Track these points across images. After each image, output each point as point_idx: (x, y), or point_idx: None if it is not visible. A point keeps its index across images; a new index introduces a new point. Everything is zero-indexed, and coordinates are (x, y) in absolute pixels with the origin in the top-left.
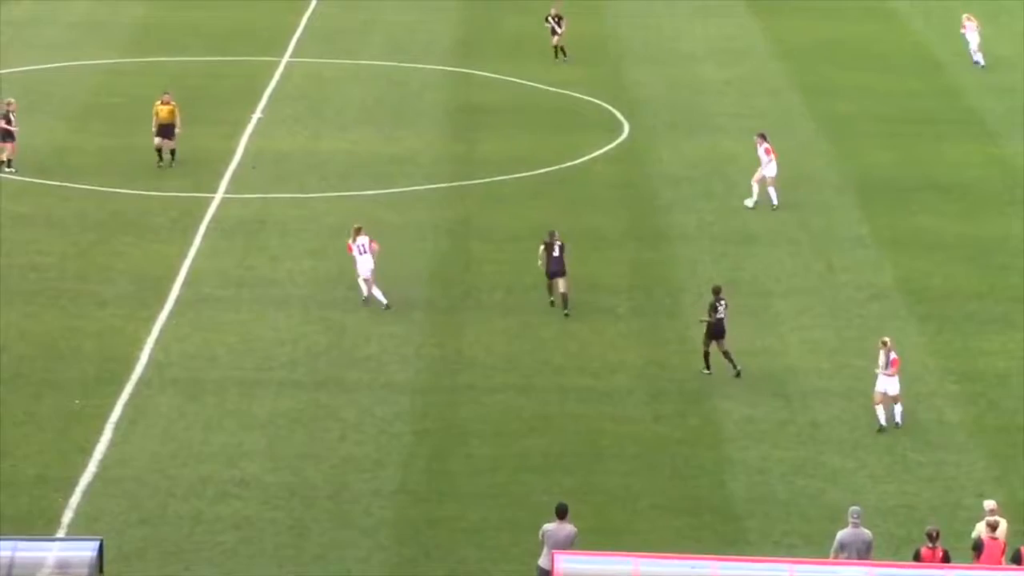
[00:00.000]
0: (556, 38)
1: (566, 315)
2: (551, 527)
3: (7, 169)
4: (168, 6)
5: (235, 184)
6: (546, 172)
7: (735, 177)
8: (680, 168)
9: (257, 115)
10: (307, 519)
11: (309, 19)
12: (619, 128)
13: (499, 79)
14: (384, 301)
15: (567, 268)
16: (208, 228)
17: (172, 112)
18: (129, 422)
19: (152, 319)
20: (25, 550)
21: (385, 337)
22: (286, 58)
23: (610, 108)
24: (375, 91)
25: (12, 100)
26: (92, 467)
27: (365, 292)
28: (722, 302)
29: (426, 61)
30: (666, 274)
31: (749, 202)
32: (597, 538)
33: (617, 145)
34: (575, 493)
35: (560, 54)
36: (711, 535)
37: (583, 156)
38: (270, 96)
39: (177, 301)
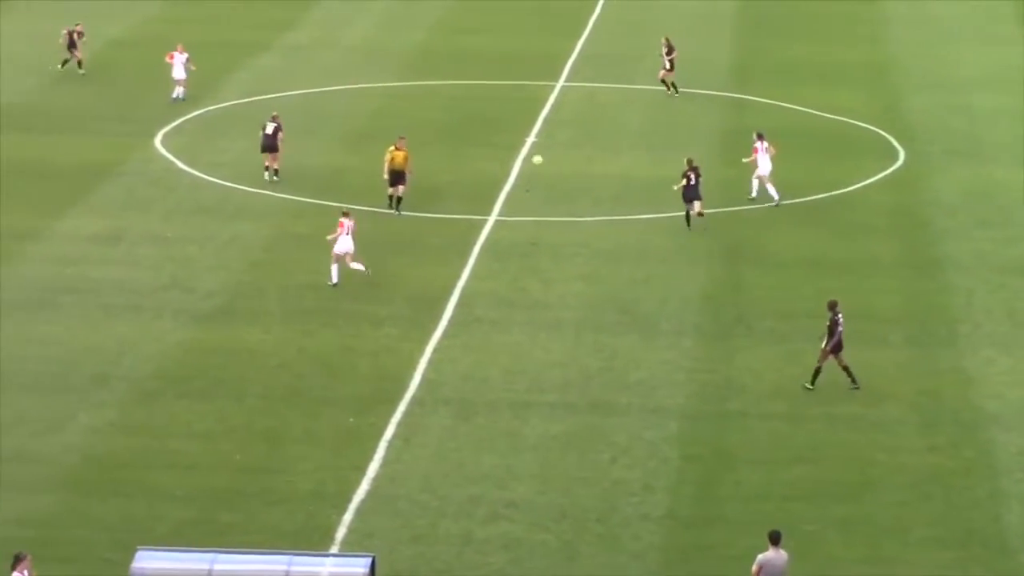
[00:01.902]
0: (663, 72)
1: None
2: (769, 555)
3: (274, 178)
4: (446, 32)
5: (509, 207)
6: (820, 198)
7: (1011, 206)
8: (955, 196)
9: (531, 139)
10: (576, 542)
11: (584, 44)
12: (894, 155)
13: (773, 104)
14: (363, 268)
15: (702, 194)
16: (481, 250)
17: (406, 158)
18: (402, 441)
19: (426, 339)
20: (300, 565)
21: (656, 362)
22: (561, 82)
23: (885, 135)
24: (648, 116)
25: (277, 113)
26: (365, 485)
27: (335, 278)
28: (840, 316)
29: (700, 86)
30: (941, 303)
31: (753, 194)
32: (867, 569)
33: (892, 172)
34: (844, 523)
35: (672, 88)
36: (983, 569)
37: (857, 183)
38: (544, 120)
39: (450, 322)
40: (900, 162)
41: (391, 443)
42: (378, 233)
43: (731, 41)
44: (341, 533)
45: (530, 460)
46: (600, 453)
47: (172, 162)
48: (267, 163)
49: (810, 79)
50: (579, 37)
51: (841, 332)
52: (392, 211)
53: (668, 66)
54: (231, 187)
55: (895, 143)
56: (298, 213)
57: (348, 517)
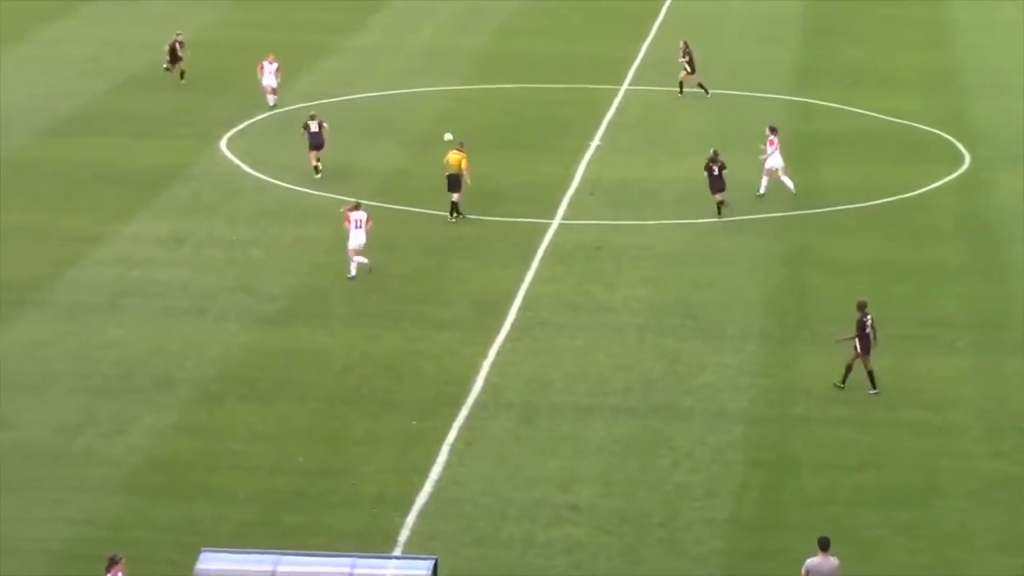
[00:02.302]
0: (683, 73)
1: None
2: (816, 561)
3: (316, 175)
4: (511, 36)
5: (572, 210)
6: (885, 202)
7: None
8: (1021, 201)
9: (595, 142)
10: (639, 546)
11: (648, 48)
12: (960, 159)
13: (838, 108)
14: (366, 261)
15: (726, 185)
16: (545, 253)
17: (461, 162)
18: (465, 444)
19: (489, 343)
20: (363, 567)
21: (720, 366)
22: (625, 86)
23: (951, 139)
24: (712, 119)
25: (315, 112)
26: (428, 487)
27: (353, 271)
28: (869, 316)
29: (765, 90)
30: (1008, 308)
31: (761, 191)
32: (932, 574)
33: (957, 176)
34: (910, 529)
35: (683, 88)
36: None
37: (922, 187)
38: (608, 123)
39: (514, 325)
40: (965, 166)
41: (454, 446)
42: (442, 236)
43: (796, 44)
44: (404, 536)
45: (593, 464)
46: (663, 457)
47: (237, 165)
48: (315, 161)
49: (875, 83)
50: (643, 41)
51: (870, 333)
52: (452, 217)
53: (688, 69)
54: (295, 190)
55: (960, 147)
56: None
57: (411, 520)
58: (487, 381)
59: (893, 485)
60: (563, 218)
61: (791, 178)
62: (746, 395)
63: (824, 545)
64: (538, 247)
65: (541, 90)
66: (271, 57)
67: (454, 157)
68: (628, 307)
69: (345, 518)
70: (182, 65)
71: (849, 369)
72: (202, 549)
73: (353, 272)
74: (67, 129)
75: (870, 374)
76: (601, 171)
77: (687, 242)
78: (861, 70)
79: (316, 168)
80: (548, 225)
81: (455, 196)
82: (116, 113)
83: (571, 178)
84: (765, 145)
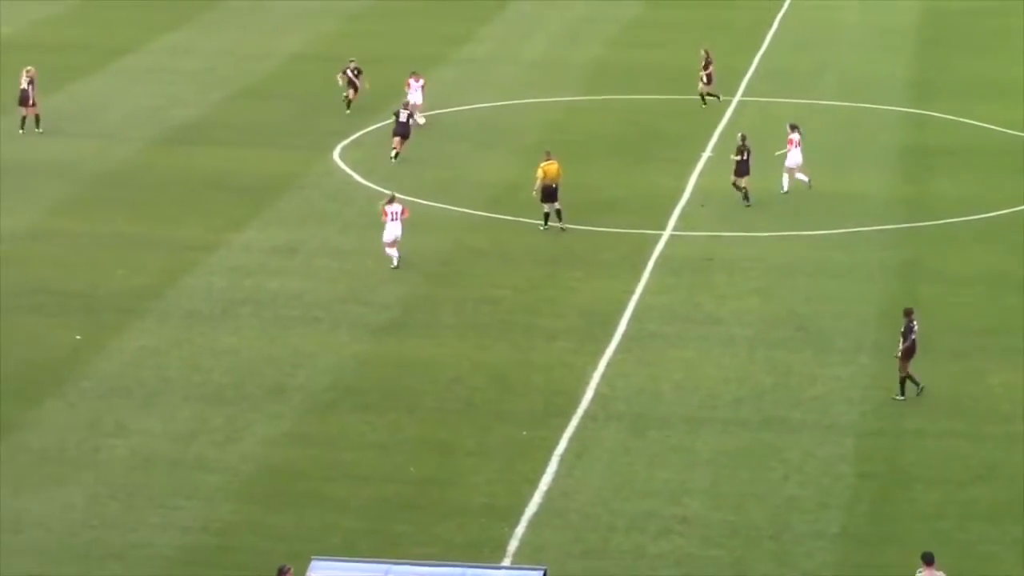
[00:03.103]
0: (701, 85)
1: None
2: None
3: (391, 160)
4: (623, 46)
5: (683, 221)
6: (1000, 215)
7: None
8: None
9: (707, 153)
10: (748, 558)
11: (761, 59)
12: None
13: (953, 120)
14: (395, 260)
15: (751, 170)
16: (655, 265)
17: (559, 172)
18: (574, 455)
19: (599, 353)
20: None
21: (831, 378)
22: (738, 97)
23: None
24: (826, 131)
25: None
26: (537, 498)
27: (395, 261)
28: (915, 324)
29: (880, 101)
30: None
31: (784, 189)
32: None
33: None
34: (1023, 543)
35: (713, 97)
36: None
37: None
38: (721, 134)
39: (624, 336)
40: None
41: (563, 457)
42: (552, 247)
43: (912, 56)
44: (513, 546)
45: (702, 476)
46: (773, 470)
47: (350, 175)
48: (396, 147)
49: (991, 95)
50: (757, 52)
51: (914, 339)
52: (554, 225)
53: (705, 80)
54: (407, 200)
55: None
56: (474, 227)
57: (520, 530)
58: (597, 392)
59: (1006, 499)
60: (674, 229)
61: (808, 175)
62: (858, 408)
63: (929, 560)
64: (648, 258)
65: (653, 101)
66: (415, 74)
67: (552, 167)
68: (739, 319)
69: (455, 528)
70: (355, 94)
71: (904, 380)
72: (313, 557)
73: (395, 263)
74: (182, 138)
75: (903, 380)
76: (713, 182)
77: (799, 254)
78: (977, 82)
79: (395, 154)
80: (659, 236)
81: (554, 206)
82: (231, 122)
83: (682, 189)
84: (787, 145)
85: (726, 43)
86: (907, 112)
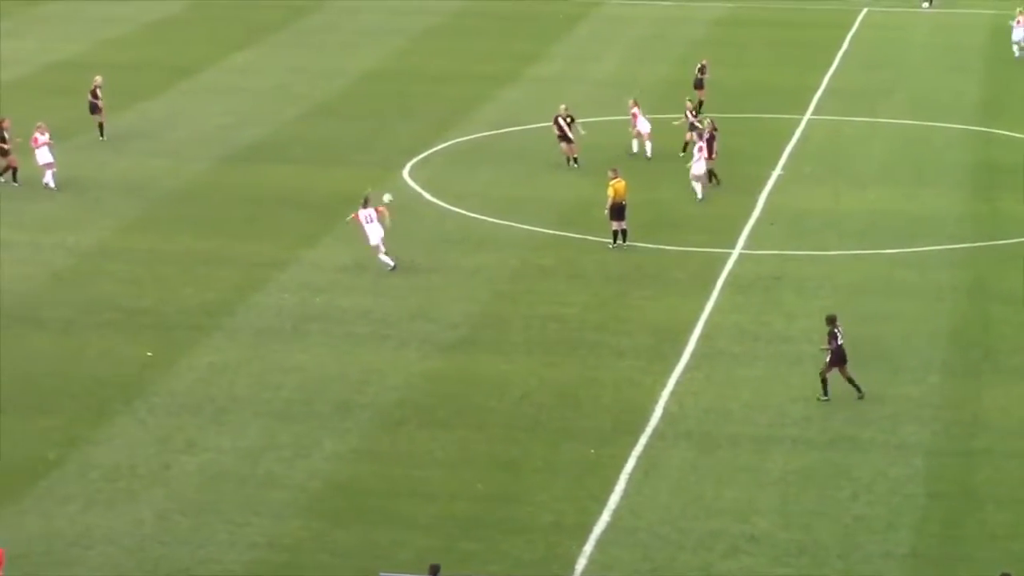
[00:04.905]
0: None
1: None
2: None
3: (574, 165)
4: (692, 65)
5: (753, 240)
6: None
7: None
8: None
9: (777, 172)
10: None
11: (831, 78)
12: None
13: (1021, 138)
14: (391, 264)
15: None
16: (725, 283)
17: (625, 189)
18: (642, 473)
19: (668, 372)
20: None
21: (901, 398)
22: (807, 116)
23: None
24: (896, 149)
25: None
26: (605, 516)
27: (391, 262)
28: (839, 329)
29: (948, 120)
30: None
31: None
32: None
33: None
34: None
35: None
36: None
37: None
38: (790, 153)
39: (693, 355)
40: None
41: (631, 475)
42: (622, 265)
43: (980, 75)
44: (581, 564)
45: (771, 495)
46: (842, 489)
47: (419, 193)
48: (570, 153)
49: None
50: (826, 70)
51: (840, 345)
52: (618, 243)
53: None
54: (476, 218)
55: None
56: (542, 245)
57: (588, 548)
58: (665, 410)
59: None
60: (743, 248)
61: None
62: (928, 427)
63: None
64: (718, 276)
65: (723, 119)
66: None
67: (621, 185)
68: (808, 338)
69: (523, 546)
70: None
71: (826, 380)
72: (380, 574)
73: (391, 264)
74: (253, 155)
75: (850, 380)
76: (782, 201)
77: (868, 273)
78: None
79: (573, 160)
80: (728, 255)
81: (622, 224)
82: (302, 140)
83: (752, 208)
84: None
85: (797, 62)
86: (975, 130)
